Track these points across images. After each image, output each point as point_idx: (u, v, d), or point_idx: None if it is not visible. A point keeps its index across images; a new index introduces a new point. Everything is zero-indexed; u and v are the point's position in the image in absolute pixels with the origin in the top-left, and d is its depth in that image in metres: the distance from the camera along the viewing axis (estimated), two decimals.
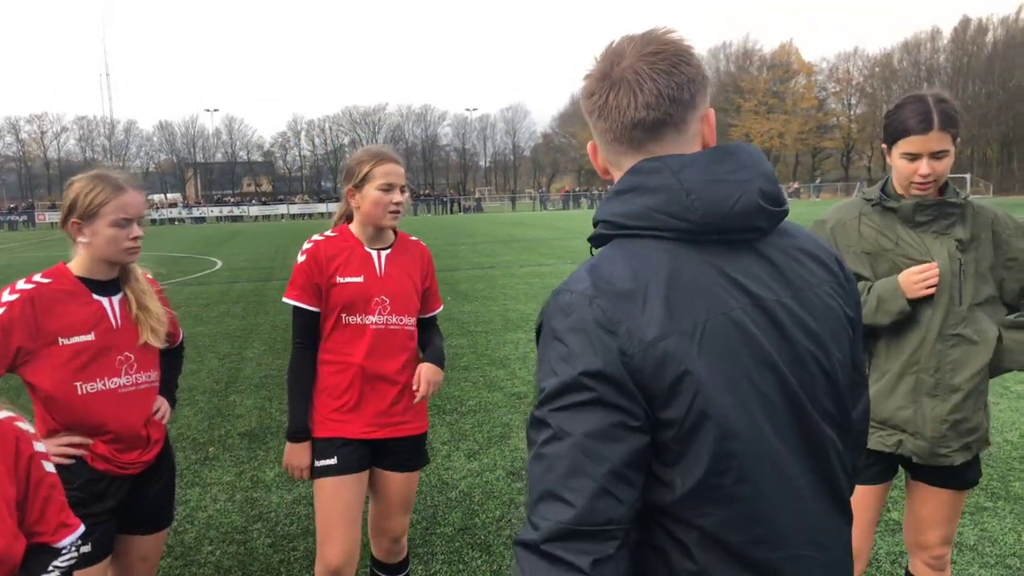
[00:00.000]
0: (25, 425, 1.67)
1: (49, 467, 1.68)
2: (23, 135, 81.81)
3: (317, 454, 2.68)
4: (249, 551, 3.88)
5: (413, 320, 2.78)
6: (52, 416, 2.28)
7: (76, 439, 2.27)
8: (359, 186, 2.68)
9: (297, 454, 2.70)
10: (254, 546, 3.94)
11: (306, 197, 73.35)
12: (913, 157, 2.31)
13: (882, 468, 2.51)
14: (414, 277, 2.78)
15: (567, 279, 1.18)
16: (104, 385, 2.31)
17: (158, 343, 2.43)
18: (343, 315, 2.68)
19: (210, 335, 9.55)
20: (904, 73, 76.35)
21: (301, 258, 2.72)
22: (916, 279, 2.31)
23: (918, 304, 2.35)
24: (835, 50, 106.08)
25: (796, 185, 66.79)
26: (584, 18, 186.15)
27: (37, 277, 2.30)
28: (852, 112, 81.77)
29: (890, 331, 2.41)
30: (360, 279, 2.68)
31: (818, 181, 71.99)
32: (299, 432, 2.68)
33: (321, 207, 62.08)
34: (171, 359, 2.65)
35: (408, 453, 2.80)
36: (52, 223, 53.53)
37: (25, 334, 2.19)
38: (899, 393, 2.41)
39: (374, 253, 2.73)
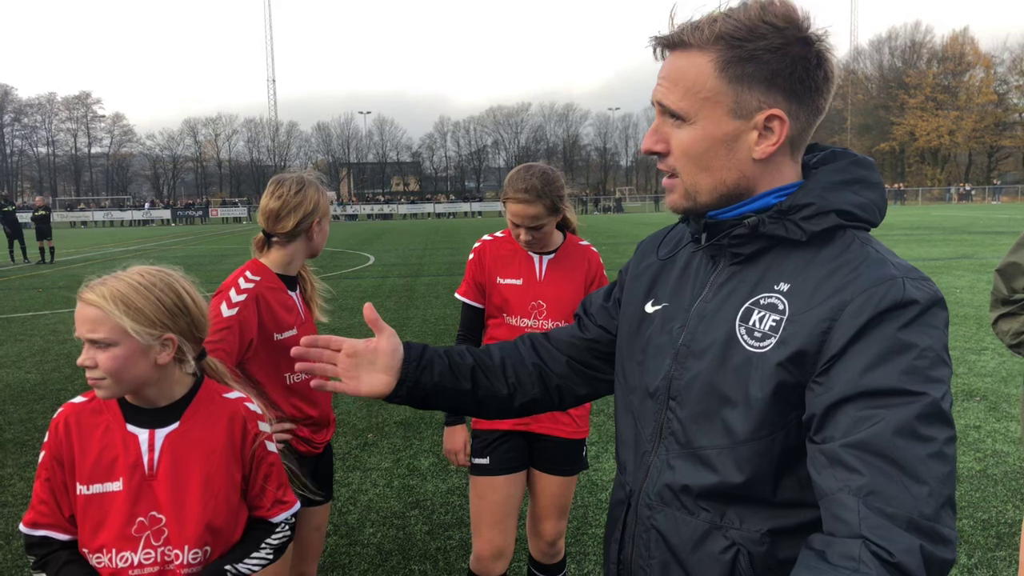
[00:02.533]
0: (254, 406, 1.81)
1: (271, 447, 1.82)
2: (200, 137, 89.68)
3: (474, 450, 2.76)
4: (408, 536, 4.05)
5: None
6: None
7: (287, 424, 2.45)
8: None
9: (450, 437, 2.81)
10: (412, 531, 4.10)
11: (451, 196, 75.73)
12: None
13: None
14: (576, 283, 2.75)
15: (908, 272, 1.08)
16: (304, 376, 2.48)
17: (324, 318, 2.63)
18: (504, 315, 2.74)
19: (366, 327, 10.03)
20: None
21: (471, 256, 2.82)
22: None
23: None
24: (1020, 38, 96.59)
25: (969, 187, 61.46)
26: None
27: (250, 275, 2.44)
28: None
29: None
30: (519, 282, 2.72)
31: (996, 183, 65.85)
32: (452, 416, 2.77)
33: (464, 206, 63.89)
34: None
35: (564, 456, 2.80)
36: (224, 218, 58.48)
37: (254, 329, 2.37)
38: None
39: (536, 257, 2.76)
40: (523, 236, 2.67)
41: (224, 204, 67.25)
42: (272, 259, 2.52)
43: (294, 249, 2.52)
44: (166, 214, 59.33)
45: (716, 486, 1.14)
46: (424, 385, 1.40)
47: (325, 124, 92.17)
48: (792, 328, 1.09)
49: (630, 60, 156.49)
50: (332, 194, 2.59)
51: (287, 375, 2.46)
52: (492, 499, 2.69)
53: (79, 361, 1.61)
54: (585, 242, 2.88)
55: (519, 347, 1.50)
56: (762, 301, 1.14)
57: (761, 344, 1.11)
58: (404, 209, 63.55)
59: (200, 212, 59.83)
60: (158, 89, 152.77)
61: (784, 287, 1.13)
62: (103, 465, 1.64)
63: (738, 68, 1.11)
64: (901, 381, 0.99)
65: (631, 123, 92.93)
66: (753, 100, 1.12)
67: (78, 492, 1.64)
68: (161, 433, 1.67)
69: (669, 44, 1.17)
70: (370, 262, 19.81)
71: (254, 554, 1.74)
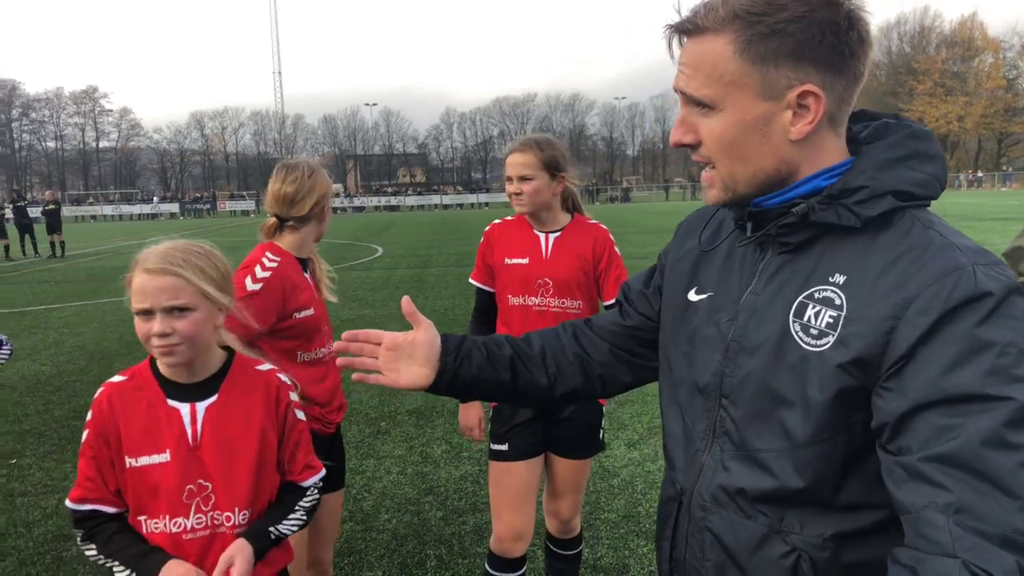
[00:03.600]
0: (284, 376, 1.90)
1: (300, 415, 1.91)
2: (207, 131, 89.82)
3: (493, 437, 2.80)
4: (423, 522, 4.10)
5: (580, 304, 2.75)
6: None
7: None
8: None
9: (465, 414, 2.89)
10: (427, 517, 4.15)
11: (458, 188, 75.69)
12: None
13: None
14: (583, 259, 2.76)
15: (977, 257, 0.99)
16: (316, 354, 2.55)
17: (333, 297, 2.70)
18: (510, 296, 2.78)
19: (376, 317, 10.09)
20: None
21: (481, 239, 2.89)
22: None
23: None
24: None
25: (980, 174, 61.06)
26: None
27: (270, 256, 2.50)
28: None
29: None
30: (525, 260, 2.76)
31: (1006, 169, 65.37)
32: None
33: (472, 197, 63.85)
34: None
35: (579, 439, 2.84)
36: (232, 211, 58.59)
37: (277, 307, 2.42)
38: None
39: (542, 236, 2.79)
40: (513, 187, 2.71)
41: (232, 197, 67.41)
42: (287, 242, 2.58)
43: (306, 232, 2.60)
44: (174, 207, 59.56)
45: (775, 491, 1.09)
46: (463, 377, 1.40)
47: (331, 116, 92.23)
48: (852, 327, 1.01)
49: (636, 49, 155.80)
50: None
51: (299, 353, 2.52)
52: (511, 484, 2.74)
53: (155, 330, 1.65)
54: (594, 220, 2.88)
55: (560, 335, 1.48)
56: (816, 295, 1.07)
57: (818, 342, 1.04)
58: (411, 201, 63.54)
59: (208, 205, 60.04)
60: (165, 83, 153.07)
61: (840, 279, 1.05)
62: (149, 438, 1.71)
63: (760, 46, 1.03)
64: (984, 385, 0.91)
65: (637, 112, 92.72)
66: (782, 78, 1.04)
67: (127, 465, 1.70)
68: (201, 406, 1.75)
69: (684, 30, 1.10)
70: (378, 254, 19.87)
71: (291, 516, 1.84)
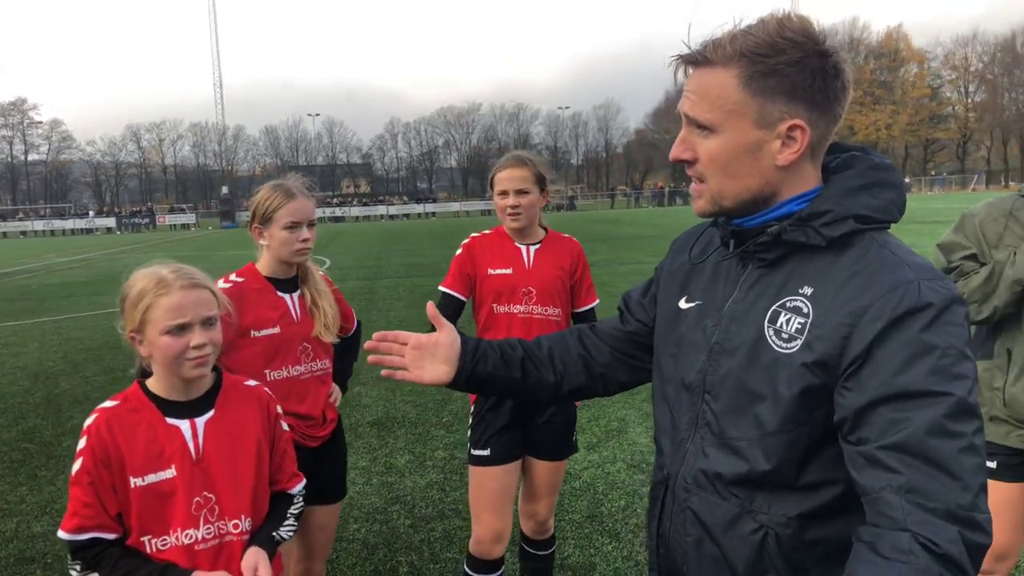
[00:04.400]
0: (268, 391, 2.00)
1: (285, 426, 2.01)
2: (143, 143, 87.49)
3: (474, 442, 2.90)
4: (391, 530, 4.15)
5: (559, 311, 2.92)
6: None
7: None
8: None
9: None
10: (395, 525, 4.21)
11: (404, 198, 75.35)
12: None
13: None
14: (562, 269, 2.94)
15: (923, 272, 1.15)
16: (288, 372, 2.59)
17: (330, 338, 2.69)
18: (495, 304, 2.89)
19: None
20: None
21: (459, 251, 2.98)
22: None
23: None
24: (951, 34, 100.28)
25: (907, 180, 63.61)
26: (678, 14, 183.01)
27: (233, 276, 2.59)
28: (969, 100, 77.17)
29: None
30: (509, 271, 2.88)
31: (933, 174, 68.25)
32: None
33: (418, 207, 63.62)
34: (345, 347, 2.91)
35: (557, 441, 2.96)
36: (172, 225, 57.15)
37: (227, 326, 2.46)
38: None
39: (524, 248, 2.93)
40: (510, 201, 2.82)
41: (172, 211, 65.78)
42: (260, 262, 2.65)
43: (267, 250, 2.61)
44: (111, 222, 57.82)
45: (746, 474, 1.24)
46: (479, 374, 1.54)
47: (273, 127, 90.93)
48: (816, 331, 1.17)
49: (580, 60, 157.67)
50: (305, 200, 2.62)
51: (267, 371, 2.54)
52: (492, 487, 2.84)
53: (196, 342, 1.74)
54: (566, 235, 3.06)
55: (567, 338, 1.63)
56: (788, 304, 1.22)
57: (788, 345, 1.20)
58: (356, 211, 63.05)
59: (147, 219, 58.42)
60: (99, 95, 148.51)
61: (808, 291, 1.21)
62: (152, 456, 1.76)
63: (761, 82, 1.18)
64: (928, 383, 1.07)
65: (580, 122, 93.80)
66: (776, 111, 1.19)
67: (132, 485, 1.74)
68: (201, 421, 1.82)
69: (693, 61, 1.24)
70: (327, 265, 19.69)
71: (286, 522, 1.94)
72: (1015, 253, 2.37)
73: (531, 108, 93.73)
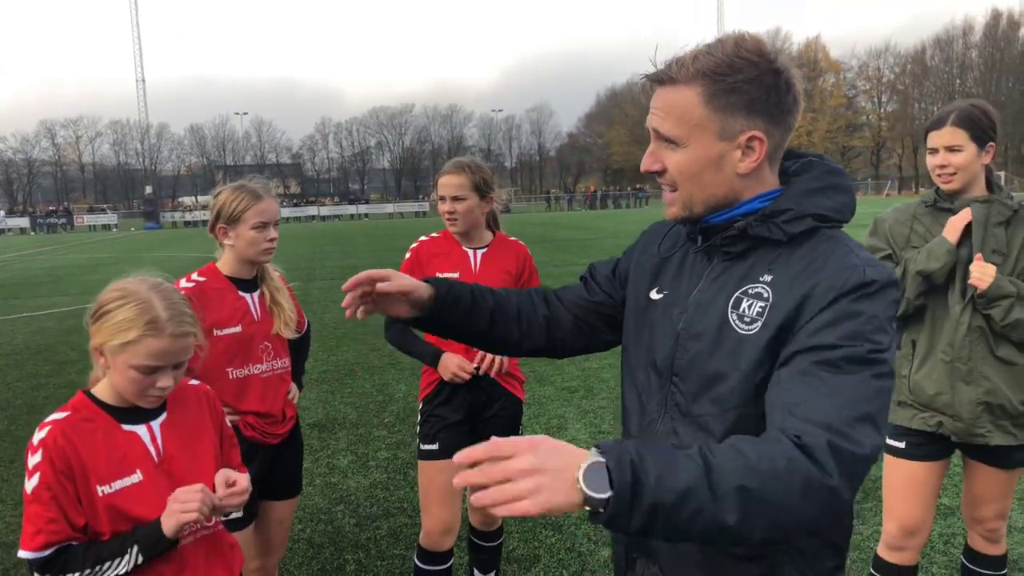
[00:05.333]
0: (209, 387, 2.06)
1: (228, 423, 2.08)
2: (59, 140, 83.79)
3: (423, 437, 2.98)
4: (337, 530, 4.19)
5: None
6: None
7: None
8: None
9: (446, 364, 2.90)
10: (341, 525, 4.24)
11: (336, 199, 74.29)
12: (933, 151, 2.64)
13: (935, 448, 2.73)
14: (508, 272, 3.04)
15: (868, 260, 1.30)
16: (250, 370, 2.63)
17: (290, 334, 2.75)
18: None
19: None
20: (936, 70, 75.47)
21: (407, 255, 3.05)
22: (955, 221, 2.59)
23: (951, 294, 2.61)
24: (866, 46, 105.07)
25: None
26: (608, 20, 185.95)
27: (195, 276, 2.62)
28: (882, 110, 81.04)
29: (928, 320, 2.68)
30: (456, 274, 2.97)
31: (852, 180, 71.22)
32: (435, 355, 2.93)
33: (351, 209, 62.80)
34: (298, 346, 2.95)
35: (505, 434, 3.04)
36: (91, 226, 54.80)
37: (197, 357, 2.48)
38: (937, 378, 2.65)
39: (471, 252, 3.02)
40: (447, 207, 2.91)
41: (91, 211, 63.15)
42: (221, 261, 2.69)
43: (229, 250, 2.66)
44: (24, 222, 55.08)
45: None
46: (448, 318, 1.61)
47: (199, 126, 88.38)
48: (774, 313, 1.30)
49: (513, 63, 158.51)
50: (272, 200, 2.66)
51: (230, 369, 2.60)
52: (441, 480, 2.92)
53: (164, 384, 1.78)
54: (513, 238, 3.17)
55: (533, 298, 1.72)
56: (750, 291, 1.34)
57: (750, 327, 1.32)
58: (287, 212, 61.64)
59: (64, 219, 55.85)
60: (7, 88, 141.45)
61: (768, 278, 1.34)
62: (116, 463, 1.76)
63: (722, 99, 1.31)
64: (842, 339, 1.22)
65: (514, 125, 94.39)
66: (736, 124, 1.32)
67: (100, 494, 1.72)
68: (156, 424, 1.85)
69: (658, 80, 1.36)
70: None
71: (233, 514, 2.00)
72: (919, 252, 2.63)
73: (465, 110, 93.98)
